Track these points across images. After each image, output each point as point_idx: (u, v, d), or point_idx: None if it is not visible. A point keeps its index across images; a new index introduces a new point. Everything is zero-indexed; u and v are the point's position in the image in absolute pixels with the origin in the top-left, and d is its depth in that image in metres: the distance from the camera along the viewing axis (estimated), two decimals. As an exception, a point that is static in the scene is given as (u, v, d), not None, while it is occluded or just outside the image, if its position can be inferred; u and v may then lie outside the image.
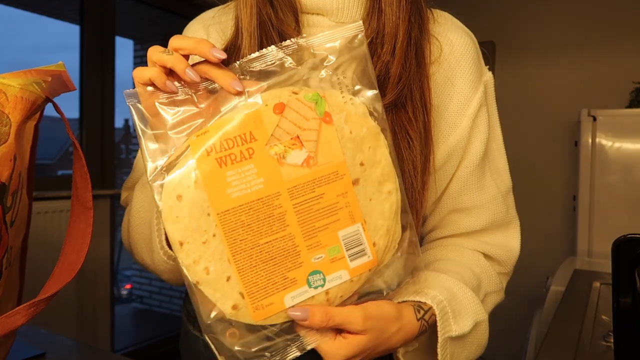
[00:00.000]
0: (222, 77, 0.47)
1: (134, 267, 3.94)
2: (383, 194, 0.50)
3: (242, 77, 0.48)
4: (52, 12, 2.59)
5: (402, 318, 0.54)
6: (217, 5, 0.73)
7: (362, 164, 0.49)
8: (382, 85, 0.59)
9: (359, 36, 0.51)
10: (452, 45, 0.64)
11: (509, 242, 0.70)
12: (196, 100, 0.48)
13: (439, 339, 0.56)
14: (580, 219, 2.35)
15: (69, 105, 2.41)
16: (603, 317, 1.09)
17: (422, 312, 0.56)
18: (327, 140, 0.47)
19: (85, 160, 0.54)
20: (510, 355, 2.56)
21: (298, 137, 0.47)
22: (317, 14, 0.65)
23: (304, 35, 0.54)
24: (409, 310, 0.55)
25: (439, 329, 0.56)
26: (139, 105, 0.48)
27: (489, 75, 0.68)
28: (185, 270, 0.46)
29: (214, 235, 0.45)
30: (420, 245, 0.73)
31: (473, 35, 0.67)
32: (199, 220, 0.45)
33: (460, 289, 0.61)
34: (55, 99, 0.56)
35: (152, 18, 3.19)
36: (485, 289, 0.66)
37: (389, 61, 0.59)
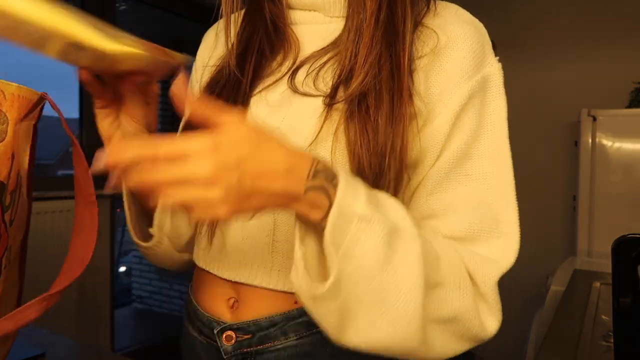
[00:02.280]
0: None
1: (134, 267, 3.94)
2: None
3: None
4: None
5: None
6: (218, 5, 0.74)
7: None
8: (349, 77, 0.56)
9: None
10: (449, 34, 0.58)
11: (491, 255, 0.53)
12: None
13: (335, 204, 0.41)
14: (580, 219, 2.35)
15: (69, 105, 2.41)
16: (603, 317, 1.09)
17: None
18: None
19: (86, 159, 0.54)
20: (510, 355, 2.56)
21: None
22: (311, 10, 0.65)
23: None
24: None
25: (338, 192, 0.41)
26: None
27: (495, 67, 0.59)
28: None
29: None
30: None
31: (481, 26, 0.60)
32: None
33: (388, 201, 0.46)
34: (55, 99, 0.56)
35: (152, 18, 3.19)
36: (442, 271, 0.48)
37: (355, 52, 0.57)
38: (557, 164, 2.80)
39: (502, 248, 0.53)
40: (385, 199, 0.46)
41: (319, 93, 0.59)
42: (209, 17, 0.77)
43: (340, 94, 0.57)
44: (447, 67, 0.56)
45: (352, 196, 0.42)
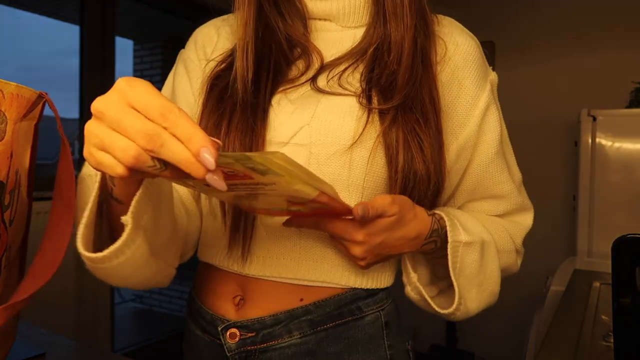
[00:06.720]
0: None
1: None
2: None
3: None
4: (52, 12, 2.59)
5: (415, 207, 0.59)
6: (217, 5, 0.75)
7: None
8: (389, 88, 0.59)
9: None
10: (457, 44, 0.64)
11: (519, 217, 0.73)
12: None
13: (449, 242, 0.59)
14: (580, 219, 2.35)
15: (69, 106, 2.41)
16: (603, 317, 1.09)
17: (430, 212, 0.61)
18: None
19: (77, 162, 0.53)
20: (510, 355, 2.56)
21: None
22: (325, 19, 0.66)
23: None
24: (420, 207, 0.60)
25: (448, 233, 0.59)
26: None
27: (494, 75, 0.69)
28: None
29: None
30: None
31: (476, 38, 0.68)
32: None
33: (462, 216, 0.63)
34: (55, 99, 0.56)
35: (152, 18, 3.19)
36: (495, 241, 0.67)
37: (396, 69, 0.60)
38: (557, 164, 2.80)
39: (527, 216, 0.74)
40: (467, 220, 0.63)
41: (348, 92, 0.61)
42: (208, 16, 0.77)
43: (375, 100, 0.60)
44: (463, 82, 0.64)
45: (456, 232, 0.60)
